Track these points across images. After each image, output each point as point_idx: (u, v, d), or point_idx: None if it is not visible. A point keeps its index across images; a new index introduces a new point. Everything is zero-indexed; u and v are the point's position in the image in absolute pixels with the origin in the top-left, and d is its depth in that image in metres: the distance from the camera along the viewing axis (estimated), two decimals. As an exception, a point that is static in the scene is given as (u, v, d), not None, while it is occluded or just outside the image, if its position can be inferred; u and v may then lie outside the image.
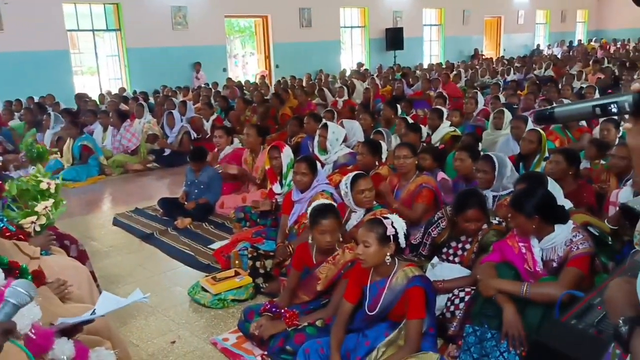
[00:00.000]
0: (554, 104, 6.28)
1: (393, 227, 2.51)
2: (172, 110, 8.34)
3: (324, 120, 6.01)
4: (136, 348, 2.96)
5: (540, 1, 22.92)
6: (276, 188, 4.77)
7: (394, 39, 17.40)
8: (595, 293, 1.76)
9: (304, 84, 12.62)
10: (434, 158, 4.52)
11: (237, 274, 3.62)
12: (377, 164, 4.59)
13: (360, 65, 16.56)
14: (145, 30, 13.04)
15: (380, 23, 17.55)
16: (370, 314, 2.56)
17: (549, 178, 3.39)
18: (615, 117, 5.53)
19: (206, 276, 3.72)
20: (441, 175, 4.33)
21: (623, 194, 3.55)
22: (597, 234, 2.84)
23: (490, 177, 3.75)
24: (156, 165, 7.89)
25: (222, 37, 14.81)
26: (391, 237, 2.50)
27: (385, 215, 2.61)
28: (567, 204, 3.18)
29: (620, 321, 0.89)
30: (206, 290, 3.51)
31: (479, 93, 8.01)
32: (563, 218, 2.65)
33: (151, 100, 11.02)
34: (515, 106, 7.33)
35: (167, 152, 7.99)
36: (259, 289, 3.58)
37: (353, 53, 18.01)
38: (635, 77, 9.64)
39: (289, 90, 10.74)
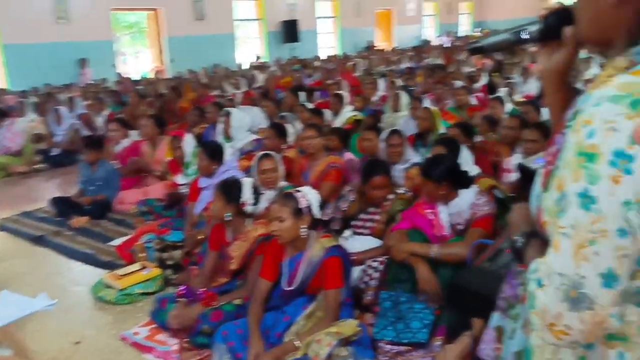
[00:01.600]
0: (446, 85, 6.58)
1: (306, 199, 2.49)
2: (59, 107, 7.76)
3: (226, 108, 5.88)
4: (34, 353, 2.70)
5: (427, -6, 24.07)
6: (180, 179, 4.59)
7: (290, 31, 17.45)
8: (503, 239, 1.85)
9: (201, 77, 12.30)
10: (341, 139, 4.57)
11: (143, 267, 3.43)
12: (283, 146, 4.56)
13: (258, 57, 16.44)
14: (24, 25, 12.02)
15: (276, 15, 17.51)
16: (288, 289, 2.52)
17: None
18: (501, 96, 5.94)
19: (109, 272, 3.49)
20: (348, 155, 4.39)
21: (515, 161, 3.79)
22: (501, 196, 3.00)
23: (401, 150, 3.87)
24: (44, 165, 7.31)
25: (108, 32, 14.01)
26: (305, 209, 2.47)
27: (297, 189, 2.59)
28: (475, 170, 3.34)
29: (517, 235, 0.98)
30: (110, 287, 3.30)
31: (379, 80, 8.24)
32: (468, 183, 2.77)
33: (35, 99, 10.19)
34: (412, 89, 7.61)
35: (56, 151, 7.43)
36: (169, 281, 3.43)
37: (250, 46, 17.84)
38: (515, 61, 10.38)
39: (186, 83, 10.42)
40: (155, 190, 4.93)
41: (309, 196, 2.50)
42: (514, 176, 3.60)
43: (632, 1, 0.80)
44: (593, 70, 7.67)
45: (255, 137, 5.42)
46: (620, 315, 0.78)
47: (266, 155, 3.59)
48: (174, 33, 14.93)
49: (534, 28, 1.00)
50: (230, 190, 2.90)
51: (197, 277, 3.05)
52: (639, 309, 0.79)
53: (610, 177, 0.71)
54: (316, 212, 2.51)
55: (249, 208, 2.90)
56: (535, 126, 3.74)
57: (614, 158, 0.71)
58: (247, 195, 2.90)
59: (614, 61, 0.84)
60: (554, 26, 0.97)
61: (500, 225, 2.66)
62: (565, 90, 1.04)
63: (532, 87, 7.51)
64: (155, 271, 3.39)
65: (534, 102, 5.18)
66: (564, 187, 0.77)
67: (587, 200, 0.73)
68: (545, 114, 4.99)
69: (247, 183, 2.97)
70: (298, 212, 2.46)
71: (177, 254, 3.54)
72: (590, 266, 0.73)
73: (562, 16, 0.96)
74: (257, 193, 2.99)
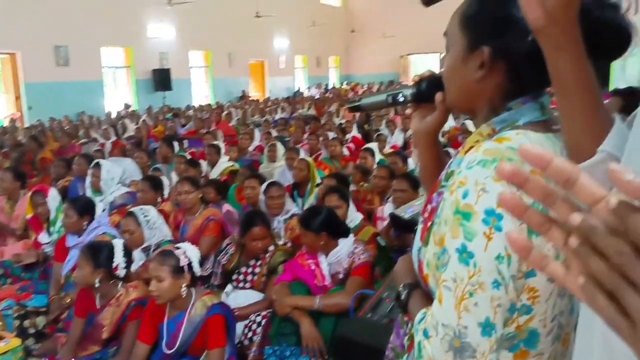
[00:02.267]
0: (320, 135, 6.82)
1: (186, 256, 2.43)
2: None
3: (95, 160, 5.58)
4: None
5: (299, 48, 25.01)
6: (42, 237, 4.23)
7: (162, 79, 17.16)
8: (383, 288, 1.94)
9: (64, 126, 11.57)
10: (218, 191, 4.54)
11: (0, 338, 3.07)
12: (159, 200, 4.41)
13: (127, 106, 15.88)
14: None
15: (147, 63, 17.14)
16: (168, 352, 2.40)
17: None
18: (371, 147, 6.29)
19: (-43, 348, 3.08)
20: (226, 207, 4.36)
21: (387, 209, 4.02)
22: (383, 244, 3.16)
23: (281, 202, 3.92)
24: None
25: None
26: (185, 267, 2.41)
27: (176, 245, 2.52)
28: (358, 217, 3.49)
29: (401, 287, 1.02)
30: (-42, 365, 2.91)
31: (255, 129, 8.36)
32: (346, 232, 2.89)
33: None
34: (287, 139, 7.81)
35: None
36: (30, 352, 3.10)
37: (119, 94, 17.20)
38: (382, 114, 11.09)
39: (47, 132, 9.74)
40: (14, 250, 4.48)
41: (189, 252, 2.44)
42: (386, 224, 3.81)
43: (493, 77, 0.90)
44: (449, 123, 8.44)
45: (127, 190, 5.18)
46: None
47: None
48: (32, 79, 13.95)
49: (408, 92, 1.09)
50: (98, 254, 2.70)
51: (64, 347, 2.80)
52: (510, 353, 0.87)
53: (483, 233, 0.78)
54: (197, 269, 2.46)
55: (121, 272, 2.74)
56: (403, 176, 4.01)
57: (486, 216, 0.78)
58: (118, 258, 2.75)
59: (480, 128, 0.95)
60: (425, 91, 1.07)
61: (380, 271, 2.79)
62: (436, 148, 1.14)
63: (398, 138, 8.07)
64: (15, 342, 3.04)
65: (401, 153, 5.57)
66: (444, 242, 0.83)
67: (465, 255, 0.79)
68: (411, 163, 5.39)
69: (118, 245, 2.81)
70: (178, 271, 2.38)
71: (40, 320, 3.24)
72: (470, 317, 0.79)
73: (433, 83, 1.05)
74: (128, 254, 2.85)
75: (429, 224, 0.94)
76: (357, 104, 1.19)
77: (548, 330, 0.87)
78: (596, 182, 0.40)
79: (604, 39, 0.81)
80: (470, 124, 6.96)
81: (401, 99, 1.11)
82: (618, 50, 0.85)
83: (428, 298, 0.94)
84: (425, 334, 0.84)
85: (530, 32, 0.72)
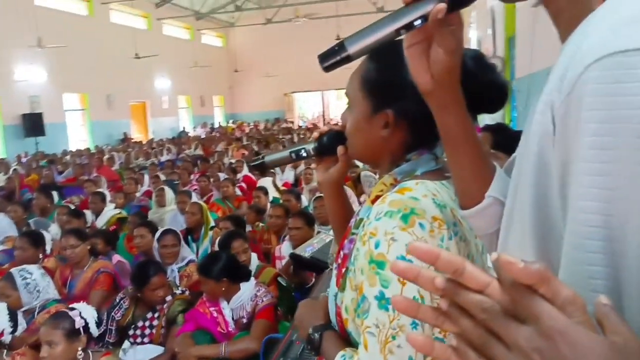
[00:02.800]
0: (210, 176, 6.74)
1: (82, 317, 2.29)
2: None
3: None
4: None
5: (181, 88, 24.64)
6: None
7: (33, 124, 16.01)
8: (291, 331, 1.96)
9: None
10: (107, 241, 4.32)
11: None
12: (41, 256, 4.09)
13: (-6, 154, 14.63)
14: None
15: (15, 108, 15.93)
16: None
17: None
18: (264, 186, 6.32)
19: None
20: (117, 257, 4.15)
21: (285, 248, 4.06)
22: (285, 284, 3.17)
23: (176, 250, 3.83)
24: None
25: None
26: (81, 329, 2.26)
27: (71, 307, 2.36)
28: (256, 261, 3.48)
29: (311, 330, 1.05)
30: None
31: (144, 174, 8.09)
32: (247, 276, 2.88)
33: None
34: (176, 182, 7.62)
35: None
36: None
37: (-16, 141, 15.79)
38: (270, 149, 11.22)
39: None
40: None
41: (84, 313, 2.30)
42: (285, 263, 3.85)
43: (396, 134, 0.99)
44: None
45: (2, 248, 4.76)
46: None
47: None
48: None
49: (310, 147, 1.16)
50: None
51: None
52: None
53: (398, 280, 0.84)
54: (94, 330, 2.32)
55: (6, 338, 2.52)
56: (298, 214, 4.08)
57: None
58: (2, 323, 2.52)
59: (383, 178, 1.03)
60: (327, 145, 1.14)
61: (283, 311, 2.81)
62: (342, 196, 1.22)
63: (289, 176, 8.20)
64: None
65: (294, 191, 5.66)
66: (363, 290, 0.89)
67: (383, 301, 0.85)
68: (304, 200, 5.49)
69: (1, 308, 2.59)
70: (73, 334, 2.23)
71: None
72: (395, 358, 0.84)
73: (334, 137, 1.13)
74: (14, 318, 2.62)
75: (342, 270, 0.99)
76: (260, 161, 1.22)
77: None
78: (480, 271, 0.45)
79: (488, 97, 0.94)
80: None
81: (304, 154, 1.16)
82: (499, 104, 0.99)
83: (341, 339, 0.99)
84: None
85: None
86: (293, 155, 1.17)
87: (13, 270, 3.30)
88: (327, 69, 0.73)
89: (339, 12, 21.44)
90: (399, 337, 0.84)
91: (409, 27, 0.69)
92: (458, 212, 0.92)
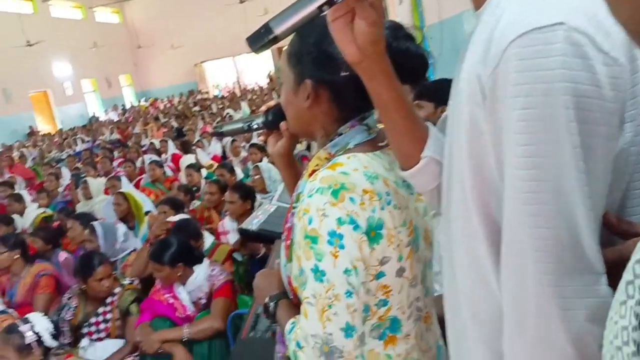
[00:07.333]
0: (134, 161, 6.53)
1: (34, 331, 2.19)
2: None
3: None
4: None
5: (83, 71, 23.28)
6: None
7: None
8: (256, 305, 1.98)
9: None
10: (47, 240, 4.13)
11: None
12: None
13: None
14: None
15: None
16: None
17: None
18: (194, 164, 6.19)
19: None
20: (63, 255, 3.99)
21: (227, 223, 4.01)
22: (240, 259, 3.17)
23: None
24: None
25: None
26: (34, 344, 2.17)
27: (25, 318, 2.25)
28: (210, 238, 3.43)
29: (267, 299, 1.10)
30: None
31: (63, 168, 7.68)
32: (200, 258, 2.86)
33: None
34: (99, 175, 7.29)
35: None
36: None
37: None
38: (191, 126, 10.96)
39: None
40: None
41: (37, 326, 2.20)
42: (231, 237, 3.81)
43: (320, 105, 1.03)
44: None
45: None
46: (362, 354, 0.97)
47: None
48: None
49: (260, 120, 1.20)
50: None
51: None
52: (380, 341, 1.01)
53: (330, 253, 0.90)
54: (49, 342, 2.23)
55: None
56: (233, 188, 3.96)
57: (330, 238, 0.91)
58: None
59: (318, 152, 1.07)
60: (272, 120, 1.18)
61: (242, 286, 2.82)
62: (293, 167, 1.26)
63: (216, 147, 8.03)
64: None
65: (226, 165, 5.55)
66: (301, 264, 0.95)
67: (319, 274, 0.91)
68: (239, 172, 5.42)
69: None
70: (25, 349, 2.15)
71: None
72: (333, 324, 0.91)
73: (278, 112, 1.15)
74: None
75: (288, 242, 1.04)
76: (220, 130, 1.29)
77: (407, 315, 1.03)
78: None
79: (408, 67, 0.97)
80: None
81: (255, 127, 1.22)
82: (421, 74, 1.04)
83: (295, 306, 1.04)
84: (298, 346, 0.94)
85: (345, 64, 0.84)
86: (245, 126, 1.23)
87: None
88: (257, 51, 0.76)
89: (239, -26, 20.84)
90: (335, 306, 0.91)
91: (330, 3, 0.72)
92: (395, 178, 0.99)
